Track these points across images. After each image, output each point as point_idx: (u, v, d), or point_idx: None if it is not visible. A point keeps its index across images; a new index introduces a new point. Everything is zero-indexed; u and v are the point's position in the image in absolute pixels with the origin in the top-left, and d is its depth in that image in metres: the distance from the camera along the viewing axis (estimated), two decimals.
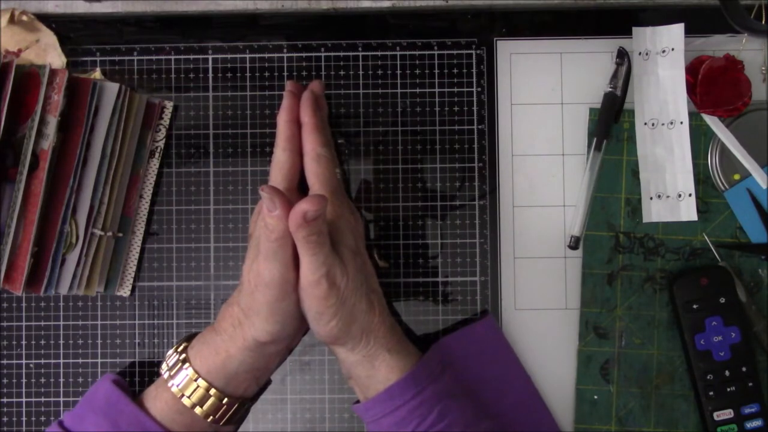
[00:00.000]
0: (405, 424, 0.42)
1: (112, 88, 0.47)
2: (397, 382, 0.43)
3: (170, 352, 0.45)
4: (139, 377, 0.50)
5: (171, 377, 0.43)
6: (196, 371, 0.43)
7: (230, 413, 0.44)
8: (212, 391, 0.43)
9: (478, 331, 0.48)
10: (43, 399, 0.50)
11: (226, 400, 0.43)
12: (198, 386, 0.43)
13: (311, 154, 0.45)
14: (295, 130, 0.46)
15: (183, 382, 0.43)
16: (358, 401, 0.45)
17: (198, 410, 0.43)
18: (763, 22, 0.47)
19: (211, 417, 0.43)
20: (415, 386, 0.43)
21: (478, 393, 0.47)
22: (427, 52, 0.51)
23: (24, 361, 0.50)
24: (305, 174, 0.45)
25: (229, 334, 0.43)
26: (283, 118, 0.46)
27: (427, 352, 0.45)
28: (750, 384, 0.48)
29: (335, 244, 0.42)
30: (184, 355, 0.44)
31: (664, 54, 0.49)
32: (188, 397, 0.43)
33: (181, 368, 0.43)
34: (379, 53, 0.51)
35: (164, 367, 0.44)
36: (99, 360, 0.50)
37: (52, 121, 0.45)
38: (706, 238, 0.50)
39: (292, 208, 0.38)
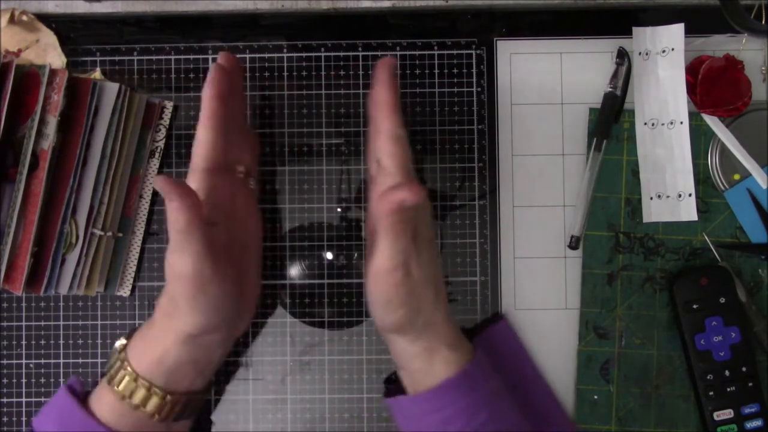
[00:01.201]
0: (452, 422, 0.41)
1: (112, 88, 0.47)
2: (453, 378, 0.41)
3: (113, 349, 0.44)
4: None
5: (111, 378, 0.42)
6: (134, 371, 0.41)
7: (177, 410, 0.42)
8: (154, 390, 0.41)
9: (499, 333, 0.48)
10: (43, 399, 0.50)
11: (169, 397, 0.41)
12: (138, 386, 0.41)
13: (389, 134, 0.42)
14: (217, 106, 0.42)
15: (123, 383, 0.41)
16: (392, 394, 0.44)
17: (142, 410, 0.41)
18: (763, 22, 0.47)
19: (157, 416, 0.41)
20: (469, 384, 0.41)
21: (511, 392, 0.46)
22: (427, 52, 0.51)
23: (24, 361, 0.50)
24: (379, 153, 0.42)
25: (160, 326, 0.41)
26: (207, 93, 0.42)
27: (478, 350, 0.44)
28: (750, 384, 0.48)
29: (414, 232, 0.41)
30: (123, 354, 0.42)
31: (664, 54, 0.49)
32: (129, 398, 0.41)
33: (120, 369, 0.42)
34: (379, 53, 0.51)
35: (107, 365, 0.43)
36: (99, 360, 0.50)
37: (52, 121, 0.45)
38: (706, 238, 0.50)
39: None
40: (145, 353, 0.41)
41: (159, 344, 0.41)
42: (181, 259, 0.39)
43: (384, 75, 0.43)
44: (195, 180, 0.42)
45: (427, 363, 0.42)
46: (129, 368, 0.41)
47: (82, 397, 0.42)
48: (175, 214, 0.37)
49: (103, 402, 0.41)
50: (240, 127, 0.46)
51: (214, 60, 0.50)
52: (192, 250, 0.38)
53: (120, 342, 0.44)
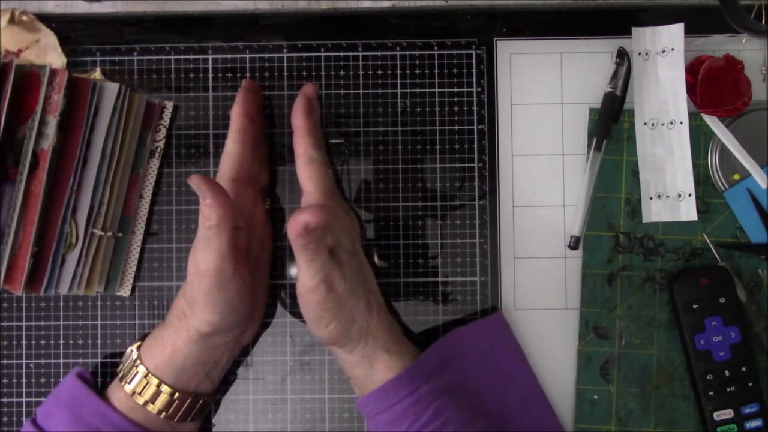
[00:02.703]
0: (399, 422, 0.43)
1: (112, 88, 0.47)
2: (392, 380, 0.43)
3: (127, 351, 0.46)
4: None
5: (124, 376, 0.44)
6: (146, 368, 0.44)
7: (184, 409, 0.44)
8: (163, 387, 0.43)
9: (488, 327, 0.48)
10: (43, 399, 0.50)
11: (177, 395, 0.44)
12: (149, 383, 0.43)
13: (303, 158, 0.45)
14: (246, 123, 0.46)
15: (135, 380, 0.44)
16: None
17: (150, 407, 0.43)
18: (763, 22, 0.47)
19: (164, 413, 0.44)
20: (410, 384, 0.43)
21: (481, 388, 0.47)
22: (427, 52, 0.51)
23: (24, 361, 0.50)
24: (298, 176, 0.46)
25: (174, 327, 0.44)
26: (235, 111, 0.47)
27: (427, 350, 0.45)
28: (750, 384, 0.48)
29: (332, 247, 0.42)
30: (136, 353, 0.45)
31: (664, 54, 0.49)
32: (140, 394, 0.43)
33: (132, 367, 0.44)
34: (379, 53, 0.51)
35: (120, 366, 0.46)
36: (99, 360, 0.50)
37: (52, 121, 0.45)
38: (706, 238, 0.50)
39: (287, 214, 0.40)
40: (156, 352, 0.44)
41: (170, 343, 0.44)
42: (207, 255, 0.41)
43: (300, 101, 0.46)
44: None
45: (368, 369, 0.44)
46: (141, 366, 0.44)
47: (92, 386, 0.45)
48: (208, 211, 0.40)
49: (115, 398, 0.44)
50: (260, 150, 0.49)
51: (214, 60, 0.50)
52: (218, 247, 0.41)
53: (134, 344, 0.46)
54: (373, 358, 0.44)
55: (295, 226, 0.38)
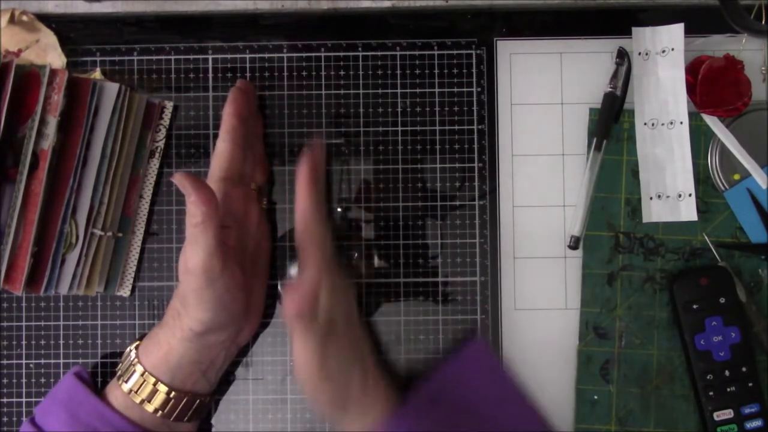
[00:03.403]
0: None
1: (112, 88, 0.47)
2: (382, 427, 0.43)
3: (126, 350, 0.46)
4: None
5: (122, 375, 0.44)
6: (143, 367, 0.44)
7: (180, 408, 0.44)
8: (159, 386, 0.44)
9: (469, 355, 0.48)
10: (42, 399, 0.50)
11: (173, 394, 0.44)
12: (145, 381, 0.44)
13: (303, 222, 0.44)
14: (236, 122, 0.46)
15: (132, 379, 0.44)
16: None
17: (147, 406, 0.44)
18: (763, 22, 0.47)
19: (161, 412, 0.44)
20: (408, 423, 0.43)
21: (474, 419, 0.46)
22: (427, 52, 0.51)
23: (24, 361, 0.50)
24: (297, 239, 0.44)
25: (170, 326, 0.44)
26: (226, 110, 0.46)
27: (412, 393, 0.45)
28: (750, 384, 0.48)
29: (330, 318, 0.42)
30: (134, 353, 0.45)
31: (664, 54, 0.49)
32: (137, 393, 0.44)
33: (130, 365, 0.44)
34: (379, 53, 0.51)
35: (118, 366, 0.46)
36: (99, 360, 0.50)
37: (52, 121, 0.45)
38: (706, 238, 0.50)
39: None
40: (153, 351, 0.44)
41: (166, 342, 0.44)
42: (193, 253, 0.41)
43: (307, 159, 0.44)
44: (212, 186, 0.44)
45: None
46: (138, 365, 0.44)
47: (89, 385, 0.45)
48: (193, 209, 0.40)
49: (112, 396, 0.44)
50: (255, 149, 0.49)
51: (214, 60, 0.50)
52: (205, 244, 0.41)
53: (133, 344, 0.46)
54: (373, 423, 0.43)
55: (288, 307, 0.39)
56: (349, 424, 0.44)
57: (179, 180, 0.40)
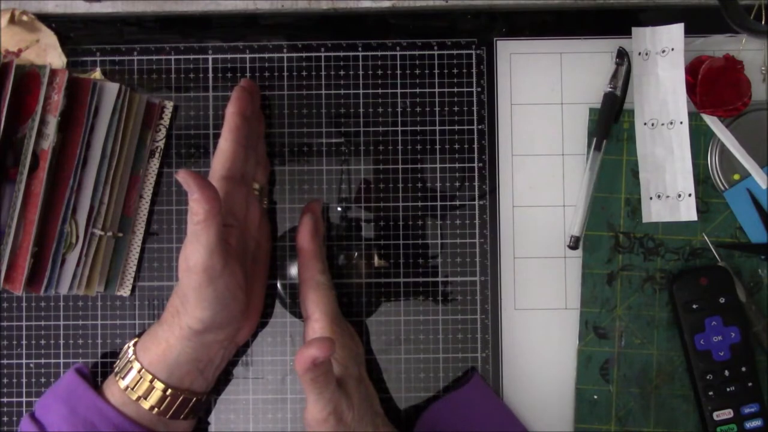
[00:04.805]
0: None
1: (112, 88, 0.47)
2: None
3: (124, 347, 0.46)
4: None
5: (119, 372, 0.44)
6: (141, 364, 0.44)
7: (176, 406, 0.44)
8: (156, 383, 0.44)
9: (467, 393, 0.48)
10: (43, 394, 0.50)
11: (170, 392, 0.44)
12: (142, 378, 0.44)
13: (310, 282, 0.46)
14: (238, 121, 0.46)
15: (130, 376, 0.44)
16: None
17: (143, 403, 0.44)
18: (763, 23, 0.47)
19: (157, 409, 0.44)
20: None
21: None
22: (427, 52, 0.51)
23: (24, 361, 0.50)
24: (302, 301, 0.46)
25: (168, 323, 0.44)
26: (229, 110, 0.46)
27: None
28: (750, 384, 0.48)
29: (339, 377, 0.43)
30: (132, 350, 0.45)
31: (664, 54, 0.49)
32: (133, 389, 0.44)
33: (127, 362, 0.44)
34: (379, 53, 0.51)
35: (116, 362, 0.46)
36: (99, 360, 0.50)
37: (52, 121, 0.45)
38: (705, 238, 0.50)
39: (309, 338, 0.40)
40: (151, 348, 0.44)
41: (164, 340, 0.44)
42: (195, 251, 0.41)
43: (306, 222, 0.47)
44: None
45: None
46: (136, 362, 0.44)
47: (89, 381, 0.45)
48: (195, 206, 0.40)
49: (109, 392, 0.44)
50: (257, 149, 0.49)
51: (214, 60, 0.50)
52: (206, 242, 0.41)
53: (131, 341, 0.46)
54: None
55: (303, 360, 0.38)
56: None
57: (183, 177, 0.40)
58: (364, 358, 0.48)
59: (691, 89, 0.49)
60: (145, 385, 0.44)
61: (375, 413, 0.45)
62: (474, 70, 0.51)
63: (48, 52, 0.50)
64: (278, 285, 0.50)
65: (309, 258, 0.46)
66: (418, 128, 0.50)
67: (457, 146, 0.50)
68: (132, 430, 0.43)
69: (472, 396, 0.48)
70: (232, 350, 0.48)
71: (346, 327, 0.47)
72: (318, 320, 0.45)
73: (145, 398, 0.44)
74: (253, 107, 0.48)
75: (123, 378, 0.44)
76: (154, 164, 0.50)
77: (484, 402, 0.48)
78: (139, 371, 0.44)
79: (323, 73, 0.51)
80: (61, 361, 0.50)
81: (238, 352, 0.49)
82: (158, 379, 0.44)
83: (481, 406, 0.48)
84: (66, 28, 0.50)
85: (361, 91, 0.51)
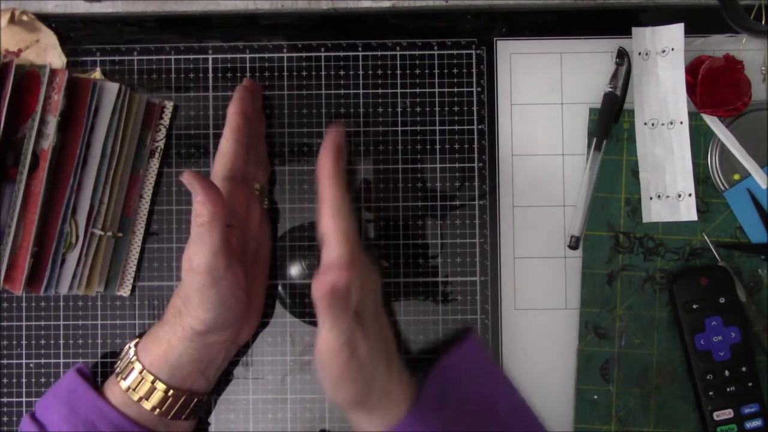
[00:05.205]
0: None
1: (112, 88, 0.47)
2: (400, 423, 0.41)
3: (125, 348, 0.46)
4: None
5: (120, 372, 0.44)
6: (142, 365, 0.44)
7: (178, 407, 0.44)
8: (157, 384, 0.43)
9: (465, 353, 0.47)
10: (43, 394, 0.50)
11: (171, 392, 0.44)
12: (144, 379, 0.43)
13: (329, 206, 0.41)
14: (240, 122, 0.46)
15: (131, 377, 0.44)
16: None
17: (145, 404, 0.43)
18: (763, 23, 0.47)
19: (158, 410, 0.44)
20: (418, 425, 0.42)
21: (480, 415, 0.45)
22: (427, 52, 0.51)
23: (24, 361, 0.50)
24: (321, 226, 0.41)
25: (170, 324, 0.44)
26: (231, 110, 0.46)
27: (427, 381, 0.44)
28: (750, 384, 0.48)
29: (356, 308, 0.41)
30: (133, 350, 0.45)
31: (664, 54, 0.49)
32: (135, 390, 0.43)
33: (129, 363, 0.44)
34: (379, 53, 0.51)
35: (117, 363, 0.46)
36: (99, 360, 0.50)
37: (52, 121, 0.45)
38: (705, 238, 0.50)
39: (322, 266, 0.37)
40: (152, 349, 0.44)
41: (166, 341, 0.44)
42: (198, 252, 0.41)
43: (329, 142, 0.43)
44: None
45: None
46: (137, 363, 0.44)
47: (90, 381, 0.45)
48: (200, 208, 0.40)
49: (110, 393, 0.44)
50: (258, 150, 0.48)
51: (214, 60, 0.50)
52: (210, 243, 0.41)
53: (132, 342, 0.46)
54: (392, 420, 0.42)
55: (321, 287, 0.36)
56: (364, 422, 0.42)
57: (188, 179, 0.40)
58: (381, 293, 0.45)
59: (691, 89, 0.49)
60: (147, 386, 0.43)
61: (388, 350, 0.43)
62: (474, 70, 0.51)
63: (48, 52, 0.50)
64: (279, 286, 0.50)
65: (329, 178, 0.42)
66: (418, 128, 0.50)
67: (457, 146, 0.50)
68: (132, 431, 0.43)
69: (470, 354, 0.47)
70: (234, 350, 0.48)
71: (365, 258, 0.44)
72: (335, 246, 0.41)
73: (147, 399, 0.44)
74: (255, 107, 0.48)
75: (124, 379, 0.44)
76: (154, 164, 0.50)
77: (480, 361, 0.47)
78: (140, 372, 0.44)
79: (323, 73, 0.51)
80: (61, 361, 0.50)
81: (238, 353, 0.49)
82: (160, 380, 0.44)
83: (477, 365, 0.47)
84: (66, 28, 0.50)
85: (361, 91, 0.51)
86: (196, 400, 0.46)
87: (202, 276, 0.41)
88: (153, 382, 0.43)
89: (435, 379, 0.45)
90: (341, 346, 0.39)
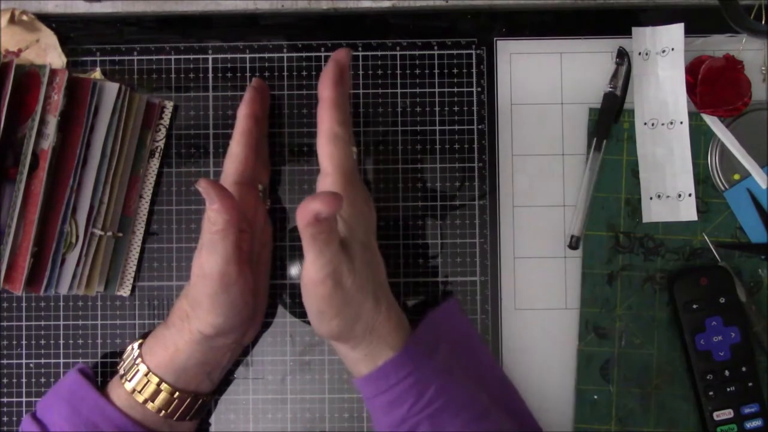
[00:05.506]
0: (400, 404, 0.41)
1: (112, 88, 0.47)
2: (392, 360, 0.41)
3: (128, 349, 0.46)
4: None
5: (125, 374, 0.44)
6: (147, 366, 0.44)
7: (183, 408, 0.44)
8: (163, 386, 0.43)
9: (444, 315, 0.46)
10: (44, 394, 0.50)
11: (177, 394, 0.44)
12: (149, 381, 0.43)
13: (326, 133, 0.41)
14: (252, 125, 0.45)
15: (136, 379, 0.44)
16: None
17: (150, 405, 0.43)
18: (763, 23, 0.47)
19: (164, 411, 0.44)
20: (411, 363, 0.41)
21: (466, 368, 0.45)
22: (427, 52, 0.51)
23: (24, 361, 0.50)
24: (318, 153, 0.41)
25: (177, 327, 0.44)
26: (242, 112, 0.46)
27: (418, 328, 0.44)
28: (750, 384, 0.48)
29: (344, 238, 0.40)
30: (137, 352, 0.45)
31: (664, 54, 0.49)
32: (140, 392, 0.43)
33: (133, 364, 0.44)
34: (379, 53, 0.51)
35: (120, 364, 0.45)
36: (99, 360, 0.50)
37: (52, 121, 0.45)
38: (705, 238, 0.50)
39: (302, 206, 0.35)
40: (158, 352, 0.44)
41: (173, 344, 0.43)
42: (211, 259, 0.40)
43: (330, 69, 0.42)
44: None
45: (371, 366, 0.42)
46: (142, 364, 0.44)
47: (92, 381, 0.45)
48: (215, 216, 0.39)
49: (114, 394, 0.44)
50: (261, 150, 0.48)
51: (214, 60, 0.50)
52: (224, 251, 0.40)
53: (135, 343, 0.46)
54: (377, 355, 0.41)
55: (304, 214, 0.35)
56: (349, 353, 0.42)
57: (204, 187, 0.39)
58: (376, 226, 0.44)
59: (691, 89, 0.49)
60: (152, 387, 0.43)
61: (377, 283, 0.42)
62: (474, 70, 0.51)
63: (48, 52, 0.50)
64: (278, 285, 0.50)
65: (328, 106, 0.42)
66: (418, 128, 0.50)
67: (457, 146, 0.50)
68: (135, 431, 0.43)
69: (447, 318, 0.46)
70: (239, 351, 0.48)
71: (362, 189, 0.43)
72: (330, 174, 0.41)
73: (152, 401, 0.43)
74: (264, 108, 0.47)
75: (129, 380, 0.44)
76: (154, 164, 0.50)
77: (459, 325, 0.47)
78: (145, 374, 0.44)
79: None
80: (61, 361, 0.50)
81: None
82: (165, 383, 0.43)
83: (456, 329, 0.47)
84: (66, 28, 0.50)
85: (361, 91, 0.51)
86: (201, 401, 0.46)
87: (214, 282, 0.41)
88: (159, 384, 0.43)
89: (426, 327, 0.44)
90: (324, 278, 0.38)
